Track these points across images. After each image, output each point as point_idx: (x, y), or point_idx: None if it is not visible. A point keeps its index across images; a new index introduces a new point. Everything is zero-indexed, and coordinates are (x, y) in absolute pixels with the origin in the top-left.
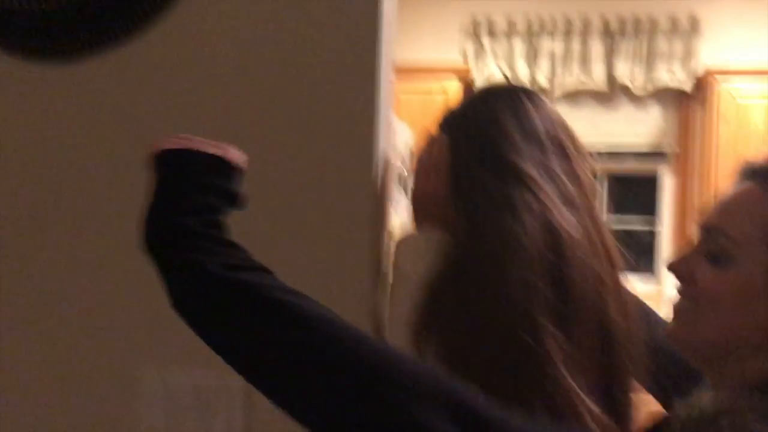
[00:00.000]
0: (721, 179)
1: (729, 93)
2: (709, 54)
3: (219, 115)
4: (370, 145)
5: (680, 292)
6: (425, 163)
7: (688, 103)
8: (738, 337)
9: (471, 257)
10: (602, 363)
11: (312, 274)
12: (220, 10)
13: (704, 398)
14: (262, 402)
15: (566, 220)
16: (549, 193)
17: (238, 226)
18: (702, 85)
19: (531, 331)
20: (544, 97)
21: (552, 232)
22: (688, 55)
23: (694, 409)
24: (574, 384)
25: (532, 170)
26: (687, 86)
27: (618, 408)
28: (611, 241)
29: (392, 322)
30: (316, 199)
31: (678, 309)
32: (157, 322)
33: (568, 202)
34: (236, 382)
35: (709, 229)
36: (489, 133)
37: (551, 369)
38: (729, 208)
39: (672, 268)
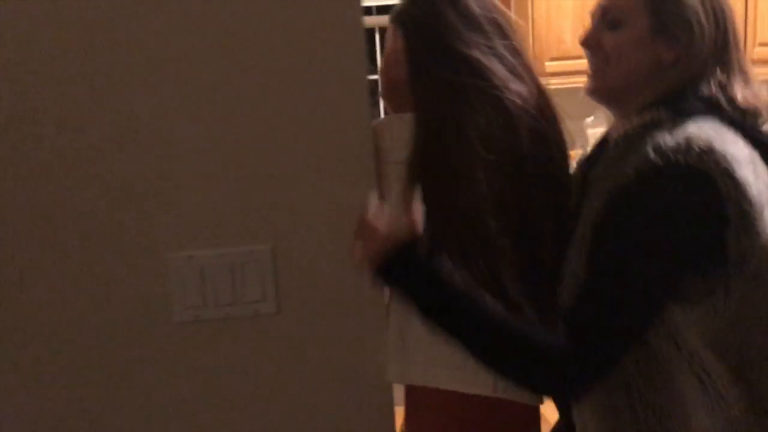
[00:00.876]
0: None
1: None
2: None
3: None
4: None
5: (592, 57)
6: (388, 54)
7: None
8: (635, 77)
9: (434, 142)
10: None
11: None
12: None
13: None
14: (287, 266)
15: (514, 92)
16: (496, 71)
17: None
18: None
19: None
20: None
21: (503, 111)
22: None
23: (625, 129)
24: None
25: (478, 54)
26: None
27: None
28: (552, 101)
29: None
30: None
31: (593, 70)
32: (184, 208)
33: (514, 74)
34: (263, 250)
35: (604, 7)
36: (434, 25)
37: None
38: None
39: (584, 42)
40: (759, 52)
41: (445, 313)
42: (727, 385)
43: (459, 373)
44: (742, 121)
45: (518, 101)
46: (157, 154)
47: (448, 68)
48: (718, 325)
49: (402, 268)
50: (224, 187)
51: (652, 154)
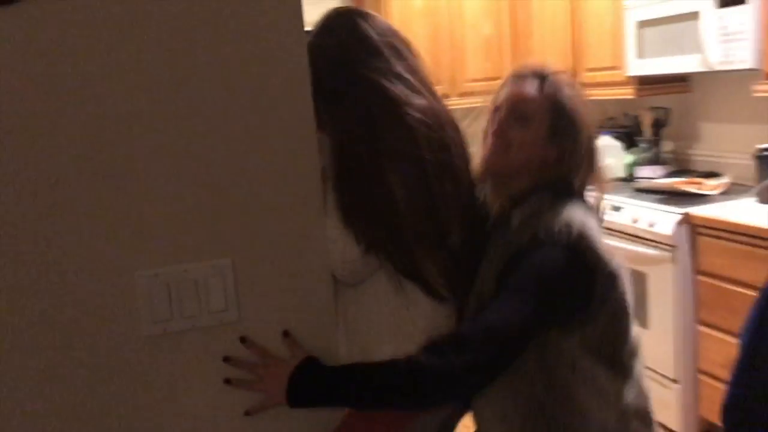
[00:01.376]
0: None
1: None
2: None
3: None
4: None
5: (496, 141)
6: None
7: None
8: (526, 167)
9: (348, 157)
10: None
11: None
12: None
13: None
14: (246, 276)
15: (413, 107)
16: (395, 90)
17: None
18: None
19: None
20: (373, 13)
21: (404, 124)
22: None
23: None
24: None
25: (378, 77)
26: None
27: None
28: (447, 109)
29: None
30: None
31: (493, 152)
32: (149, 227)
33: (415, 91)
34: (225, 264)
35: (514, 104)
36: (338, 55)
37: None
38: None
39: (495, 133)
40: (587, 76)
41: (354, 390)
42: (607, 383)
43: (388, 346)
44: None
45: (417, 115)
46: (121, 177)
47: (354, 92)
48: (591, 343)
49: (310, 384)
50: (186, 206)
51: (542, 234)
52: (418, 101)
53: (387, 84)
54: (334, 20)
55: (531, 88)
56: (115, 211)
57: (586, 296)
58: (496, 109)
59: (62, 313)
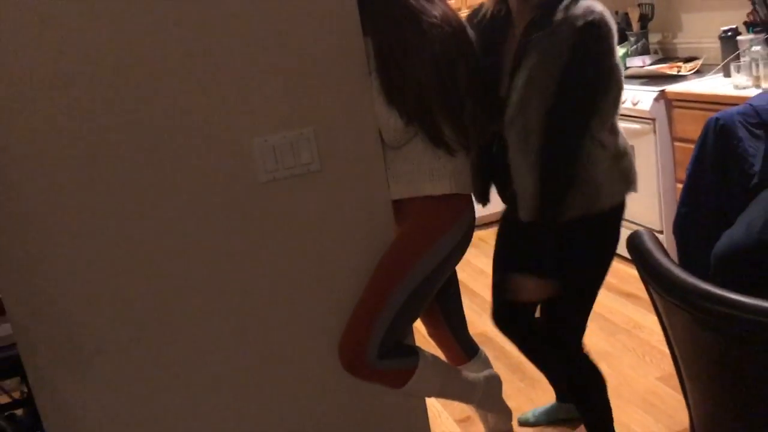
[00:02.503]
0: None
1: None
2: None
3: None
4: None
5: None
6: None
7: None
8: None
9: (393, 41)
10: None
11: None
12: None
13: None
14: (324, 140)
15: (430, 14)
16: (416, 4)
17: None
18: None
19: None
20: None
21: (424, 29)
22: None
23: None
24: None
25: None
26: None
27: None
28: (457, 14)
29: None
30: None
31: None
32: (260, 109)
33: (430, 3)
34: (309, 131)
35: None
36: None
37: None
38: None
39: None
40: None
41: None
42: (607, 139)
43: (435, 184)
44: None
45: (431, 20)
46: (239, 86)
47: (385, 7)
48: (603, 115)
49: None
50: (284, 94)
51: (580, 22)
52: (432, 9)
53: (412, 1)
54: None
55: None
56: (239, 99)
57: (610, 72)
58: None
59: (204, 170)
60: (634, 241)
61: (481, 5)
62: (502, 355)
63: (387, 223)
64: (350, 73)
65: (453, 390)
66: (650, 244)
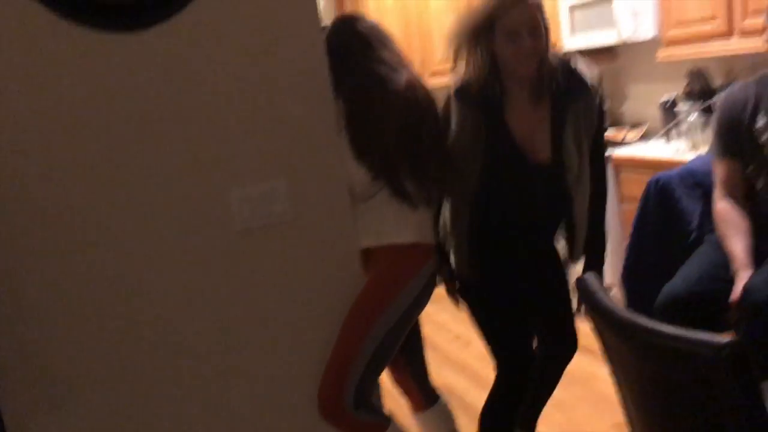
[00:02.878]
0: None
1: None
2: None
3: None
4: None
5: (531, 57)
6: None
7: None
8: (544, 56)
9: (361, 108)
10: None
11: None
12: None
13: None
14: (295, 192)
15: (396, 81)
16: (380, 71)
17: None
18: None
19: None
20: (365, 17)
21: (390, 95)
22: None
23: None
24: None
25: (371, 63)
26: None
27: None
28: (420, 80)
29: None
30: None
31: (530, 62)
32: (239, 164)
33: (394, 70)
34: (282, 185)
35: (531, 29)
36: (346, 51)
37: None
38: (531, 16)
39: (526, 51)
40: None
41: None
42: None
43: (399, 233)
44: None
45: (395, 86)
46: (218, 140)
47: (354, 73)
48: None
49: None
50: (260, 152)
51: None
52: (397, 77)
53: (375, 67)
54: (339, 25)
55: (527, 8)
56: (219, 152)
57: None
58: (513, 33)
59: (183, 219)
60: (581, 284)
61: (466, 82)
62: (469, 406)
63: (355, 270)
64: (322, 130)
65: None
66: (596, 286)
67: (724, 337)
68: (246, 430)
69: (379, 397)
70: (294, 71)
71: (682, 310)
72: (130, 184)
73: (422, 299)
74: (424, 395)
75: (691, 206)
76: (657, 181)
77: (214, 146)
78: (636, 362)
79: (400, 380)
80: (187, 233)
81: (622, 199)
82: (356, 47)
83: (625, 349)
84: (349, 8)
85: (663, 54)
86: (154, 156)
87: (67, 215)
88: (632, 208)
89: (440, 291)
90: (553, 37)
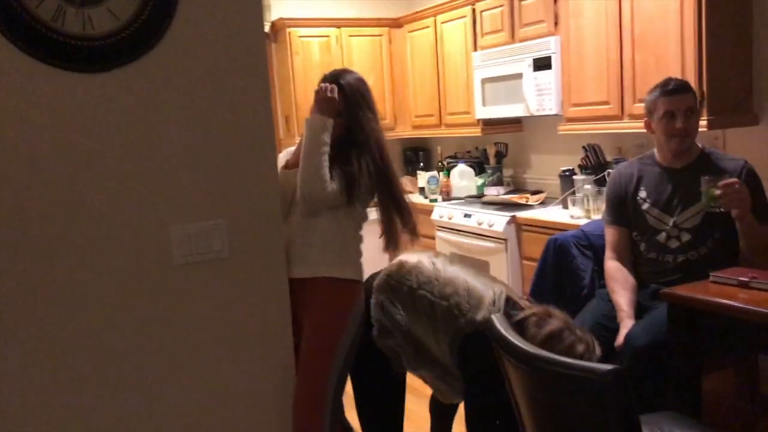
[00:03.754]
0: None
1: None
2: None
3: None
4: None
5: (686, 136)
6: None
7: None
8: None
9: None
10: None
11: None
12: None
13: None
14: (234, 230)
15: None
16: (372, 143)
17: None
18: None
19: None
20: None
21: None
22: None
23: None
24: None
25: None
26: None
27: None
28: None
29: None
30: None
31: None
32: (179, 204)
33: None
34: (221, 223)
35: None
36: (358, 105)
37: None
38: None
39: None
40: (449, 118)
41: None
42: None
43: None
44: None
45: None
46: (159, 168)
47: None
48: None
49: None
50: (198, 192)
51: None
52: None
53: (371, 132)
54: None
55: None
56: (162, 190)
57: None
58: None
59: (121, 255)
60: (489, 324)
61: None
62: None
63: (284, 303)
64: (264, 172)
65: None
66: (501, 326)
67: (608, 366)
68: None
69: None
70: (241, 116)
71: None
72: (76, 211)
73: (360, 329)
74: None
75: (584, 264)
76: (555, 240)
77: (157, 184)
78: (535, 388)
79: None
80: (128, 264)
81: (523, 256)
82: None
83: (525, 377)
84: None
85: (563, 128)
86: (103, 186)
87: (19, 236)
88: (531, 265)
89: None
90: (468, 107)
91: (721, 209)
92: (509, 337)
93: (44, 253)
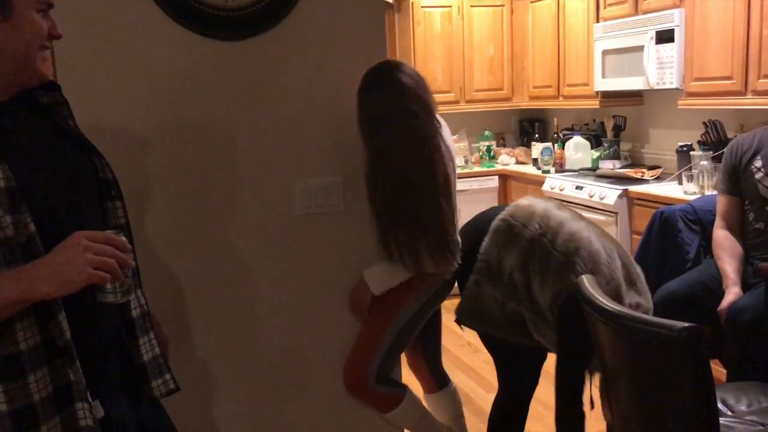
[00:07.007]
0: None
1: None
2: None
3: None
4: None
5: None
6: None
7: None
8: None
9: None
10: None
11: None
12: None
13: None
14: (349, 191)
15: (432, 140)
16: (411, 139)
17: None
18: None
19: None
20: (403, 63)
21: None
22: None
23: None
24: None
25: (405, 118)
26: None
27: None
28: (437, 135)
29: None
30: None
31: None
32: (304, 162)
33: (423, 124)
34: (338, 181)
35: None
36: (383, 105)
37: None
38: None
39: None
40: (567, 90)
41: None
42: None
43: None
44: None
45: (434, 143)
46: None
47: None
48: None
49: None
50: (320, 153)
51: None
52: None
53: (409, 121)
54: (377, 75)
55: None
56: (290, 152)
57: None
58: None
59: (256, 206)
60: (578, 285)
61: None
62: (474, 402)
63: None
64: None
65: (423, 427)
66: (589, 286)
67: (684, 323)
68: (279, 396)
69: (399, 372)
70: (354, 83)
71: (675, 307)
72: (217, 173)
73: (434, 303)
74: (436, 379)
75: (689, 238)
76: (661, 213)
77: (285, 146)
78: (615, 343)
79: (414, 364)
80: (258, 214)
81: (633, 230)
82: (392, 102)
83: (609, 332)
84: (398, 39)
85: (683, 103)
86: (242, 147)
87: (167, 194)
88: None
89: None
90: (587, 78)
91: None
92: (595, 297)
93: (199, 205)
